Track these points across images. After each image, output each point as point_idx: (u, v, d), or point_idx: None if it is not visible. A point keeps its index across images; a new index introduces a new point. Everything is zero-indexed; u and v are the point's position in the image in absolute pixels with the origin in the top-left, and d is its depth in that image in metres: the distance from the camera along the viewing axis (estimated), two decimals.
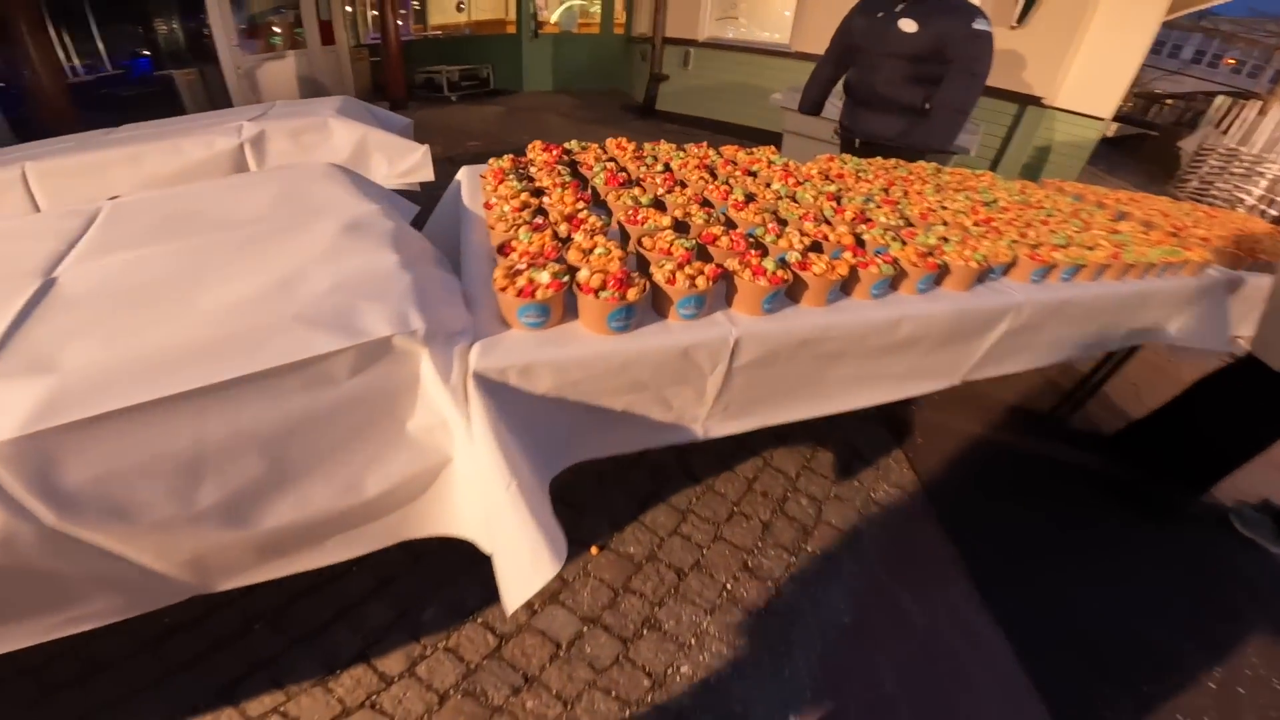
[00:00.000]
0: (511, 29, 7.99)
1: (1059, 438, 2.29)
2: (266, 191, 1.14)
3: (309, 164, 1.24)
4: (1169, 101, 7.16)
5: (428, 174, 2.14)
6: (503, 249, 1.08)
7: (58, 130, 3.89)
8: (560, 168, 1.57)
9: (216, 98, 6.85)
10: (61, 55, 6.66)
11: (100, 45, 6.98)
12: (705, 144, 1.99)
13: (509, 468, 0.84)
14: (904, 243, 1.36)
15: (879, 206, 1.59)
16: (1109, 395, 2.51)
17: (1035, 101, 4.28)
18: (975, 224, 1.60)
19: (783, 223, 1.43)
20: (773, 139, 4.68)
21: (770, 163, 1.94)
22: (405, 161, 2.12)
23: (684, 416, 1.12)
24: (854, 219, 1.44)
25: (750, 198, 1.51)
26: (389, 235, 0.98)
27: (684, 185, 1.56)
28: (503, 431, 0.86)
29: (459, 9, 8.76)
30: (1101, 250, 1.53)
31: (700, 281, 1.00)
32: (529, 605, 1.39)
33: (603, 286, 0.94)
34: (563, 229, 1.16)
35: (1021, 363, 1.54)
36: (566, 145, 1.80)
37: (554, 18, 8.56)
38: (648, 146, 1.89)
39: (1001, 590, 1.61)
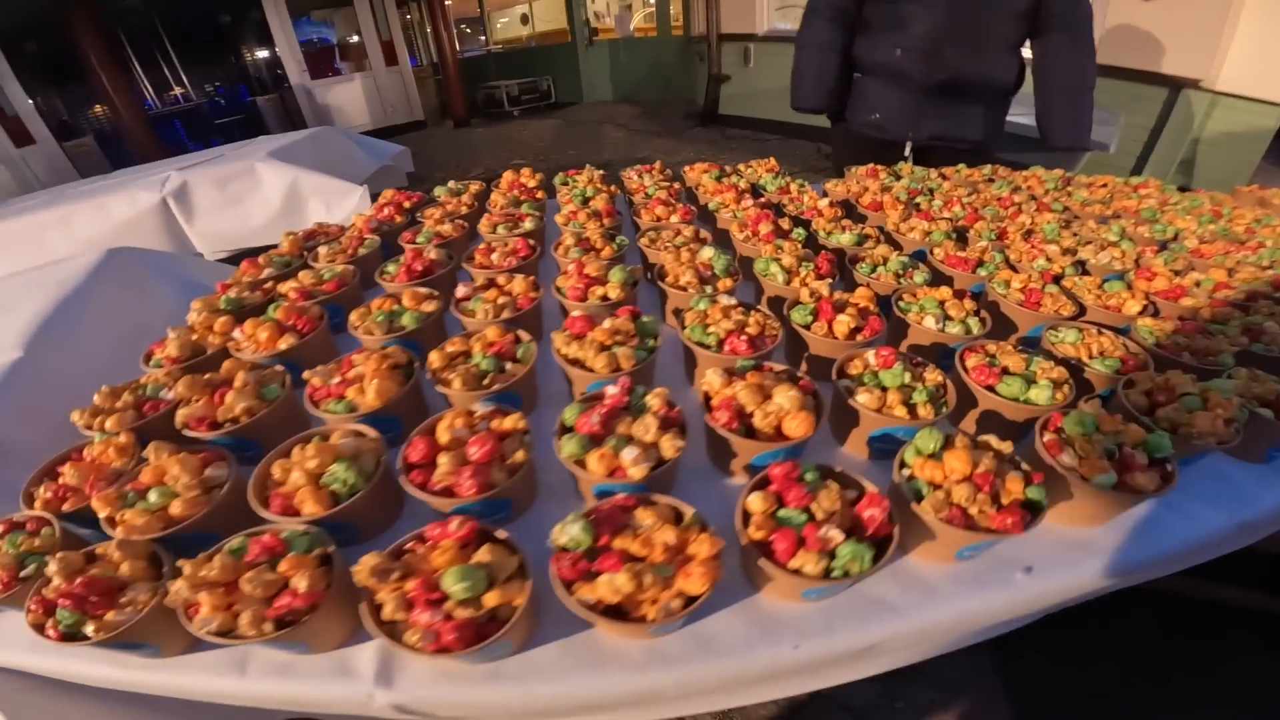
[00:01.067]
0: (570, 38, 7.80)
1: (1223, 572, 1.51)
2: None
3: (81, 260, 0.95)
4: None
5: None
6: (60, 464, 0.64)
7: (146, 160, 4.17)
8: (371, 240, 1.05)
9: (295, 118, 7.30)
10: (154, 87, 7.39)
11: (186, 78, 7.62)
12: (659, 164, 1.45)
13: None
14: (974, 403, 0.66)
15: (934, 283, 0.83)
16: None
17: (1191, 85, 3.40)
18: (1146, 309, 0.81)
19: (687, 362, 0.76)
20: None
21: (749, 192, 1.23)
22: (344, 205, 1.86)
23: None
24: (866, 326, 0.71)
25: (630, 287, 0.80)
26: None
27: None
28: None
29: (523, 20, 8.72)
30: None
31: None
32: None
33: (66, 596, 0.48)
34: (181, 416, 0.66)
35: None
36: (435, 192, 1.33)
37: (635, 21, 8.20)
38: (559, 179, 1.37)
39: None
